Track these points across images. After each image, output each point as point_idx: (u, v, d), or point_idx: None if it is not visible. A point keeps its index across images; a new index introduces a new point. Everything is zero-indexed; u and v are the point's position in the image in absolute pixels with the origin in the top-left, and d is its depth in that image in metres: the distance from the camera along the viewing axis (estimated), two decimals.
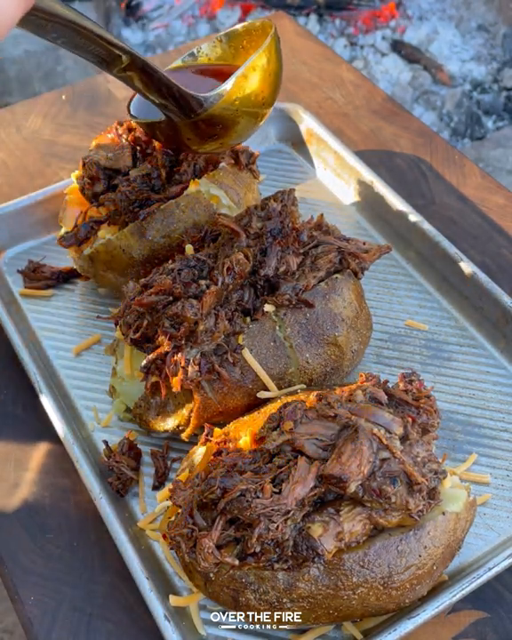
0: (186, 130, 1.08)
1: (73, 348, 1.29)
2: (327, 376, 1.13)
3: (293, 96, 1.74)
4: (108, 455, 1.11)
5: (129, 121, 1.34)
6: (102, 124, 1.70)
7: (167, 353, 1.03)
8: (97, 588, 1.03)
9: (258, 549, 0.85)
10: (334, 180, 1.54)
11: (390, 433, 0.90)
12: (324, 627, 0.96)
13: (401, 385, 0.99)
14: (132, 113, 1.16)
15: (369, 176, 1.45)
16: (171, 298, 1.07)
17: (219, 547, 0.86)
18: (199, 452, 1.01)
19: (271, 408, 1.00)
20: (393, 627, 0.92)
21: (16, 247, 1.46)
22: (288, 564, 0.86)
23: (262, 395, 1.07)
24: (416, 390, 0.98)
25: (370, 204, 1.47)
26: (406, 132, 1.66)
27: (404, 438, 0.92)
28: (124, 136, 1.30)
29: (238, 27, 1.20)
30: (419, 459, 0.91)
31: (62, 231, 1.32)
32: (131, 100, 1.19)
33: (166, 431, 1.10)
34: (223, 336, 1.04)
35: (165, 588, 1.00)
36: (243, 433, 0.98)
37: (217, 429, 1.03)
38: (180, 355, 1.02)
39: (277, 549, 0.86)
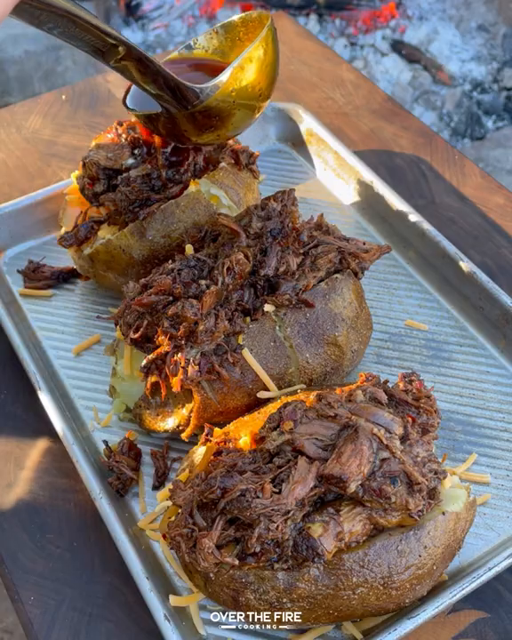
0: (183, 121, 1.08)
1: (73, 348, 1.29)
2: (327, 376, 1.13)
3: (293, 96, 1.74)
4: (108, 455, 1.11)
5: (129, 121, 1.34)
6: (102, 124, 1.70)
7: (167, 353, 1.03)
8: (97, 588, 1.03)
9: (258, 549, 0.85)
10: (334, 180, 1.54)
11: (390, 433, 0.90)
12: (323, 627, 0.96)
13: (401, 385, 0.99)
14: (128, 105, 1.15)
15: (369, 176, 1.45)
16: (171, 298, 1.07)
17: (219, 547, 0.86)
18: (199, 452, 1.01)
19: (271, 408, 1.00)
20: (393, 627, 0.92)
21: (16, 247, 1.46)
22: (288, 564, 0.86)
23: (262, 395, 1.07)
24: (416, 390, 0.98)
25: (370, 204, 1.47)
26: (406, 132, 1.66)
27: (404, 438, 0.92)
28: (124, 136, 1.30)
29: (235, 18, 1.19)
30: (419, 459, 0.91)
31: (62, 231, 1.32)
32: (127, 92, 1.18)
33: (166, 431, 1.10)
34: (223, 336, 1.04)
35: (165, 588, 1.00)
36: (243, 433, 0.98)
37: (217, 429, 1.03)
38: (180, 355, 1.02)
39: (277, 549, 0.86)
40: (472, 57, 3.40)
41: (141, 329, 1.07)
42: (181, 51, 1.24)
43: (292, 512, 0.86)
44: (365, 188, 1.46)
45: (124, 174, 1.25)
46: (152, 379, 1.06)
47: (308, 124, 1.58)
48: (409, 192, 1.52)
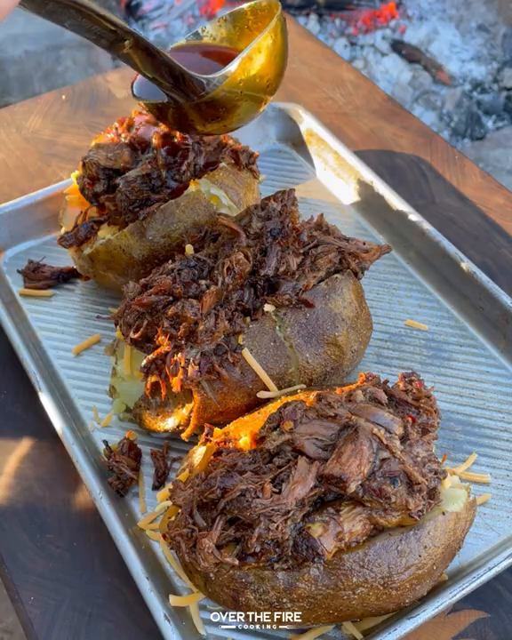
0: (189, 111, 1.06)
1: (73, 348, 1.29)
2: (327, 376, 1.13)
3: (293, 96, 1.74)
4: (108, 455, 1.11)
5: (128, 120, 1.34)
6: (102, 124, 1.70)
7: (167, 353, 1.03)
8: (97, 588, 1.03)
9: (258, 549, 0.85)
10: (334, 180, 1.54)
11: (390, 433, 0.90)
12: (323, 627, 0.96)
13: (401, 385, 0.99)
14: (135, 94, 1.14)
15: (369, 176, 1.45)
16: (171, 298, 1.07)
17: (219, 547, 0.86)
18: (199, 452, 1.01)
19: (271, 408, 1.00)
20: (393, 627, 0.92)
21: (16, 247, 1.46)
22: (288, 564, 0.86)
23: (262, 395, 1.07)
24: (416, 390, 0.99)
25: (370, 204, 1.47)
26: (406, 132, 1.66)
27: (404, 438, 0.92)
28: (124, 136, 1.30)
29: (244, 6, 1.17)
30: (419, 459, 0.91)
31: (62, 231, 1.32)
32: (133, 80, 1.16)
33: (166, 431, 1.10)
34: (223, 336, 1.04)
35: (165, 588, 1.00)
36: (243, 433, 0.98)
37: (217, 429, 1.03)
38: (180, 355, 1.02)
39: (277, 549, 0.86)
40: (472, 57, 3.40)
41: (141, 329, 1.07)
42: (189, 38, 1.21)
43: (292, 512, 0.86)
44: (365, 188, 1.46)
45: (124, 174, 1.25)
46: (152, 379, 1.06)
47: (307, 124, 1.58)
48: (409, 192, 1.52)
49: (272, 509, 0.85)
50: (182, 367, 1.01)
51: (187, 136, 1.27)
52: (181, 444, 1.14)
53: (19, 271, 1.40)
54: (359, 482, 0.86)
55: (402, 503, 0.87)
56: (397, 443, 0.90)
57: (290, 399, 0.99)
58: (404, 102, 3.25)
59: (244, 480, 0.88)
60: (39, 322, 1.34)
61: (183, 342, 1.03)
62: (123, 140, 1.30)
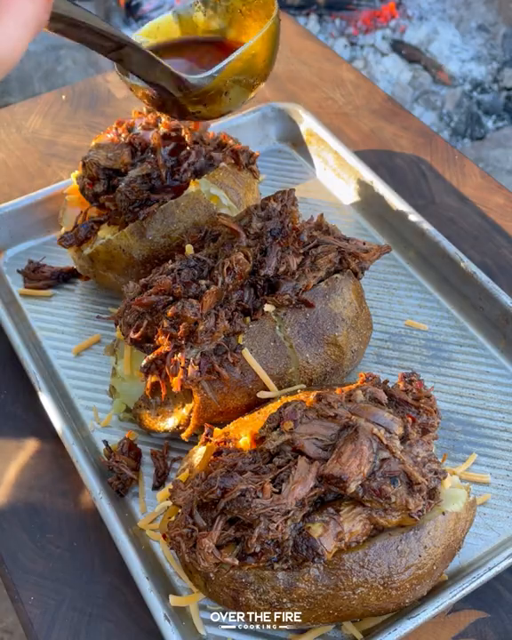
0: (180, 100, 1.03)
1: (73, 348, 1.29)
2: (327, 376, 1.13)
3: (293, 96, 1.74)
4: (108, 455, 1.11)
5: (128, 121, 1.34)
6: (102, 124, 1.70)
7: (167, 353, 1.03)
8: (97, 588, 1.03)
9: (258, 549, 0.85)
10: (334, 180, 1.54)
11: (390, 433, 0.90)
12: (323, 627, 0.96)
13: (401, 385, 0.99)
14: (120, 74, 1.09)
15: (369, 176, 1.45)
16: (171, 298, 1.07)
17: (219, 547, 0.86)
18: (199, 452, 1.01)
19: (271, 408, 1.00)
20: (393, 627, 0.92)
21: (16, 247, 1.46)
22: (288, 564, 0.86)
23: (262, 395, 1.07)
24: (416, 390, 0.98)
25: (370, 204, 1.47)
26: (406, 132, 1.66)
27: (403, 438, 0.92)
28: (124, 136, 1.30)
29: None
30: (419, 459, 0.91)
31: (62, 231, 1.32)
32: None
33: (166, 431, 1.10)
34: (223, 336, 1.04)
35: (165, 588, 1.00)
36: (243, 433, 0.98)
37: (217, 429, 1.03)
38: (180, 355, 1.02)
39: (277, 549, 0.86)
40: (472, 57, 3.40)
41: (141, 329, 1.07)
42: (177, 12, 1.17)
43: (292, 512, 0.86)
44: (365, 188, 1.46)
45: (124, 174, 1.25)
46: (152, 379, 1.06)
47: (307, 124, 1.58)
48: (409, 192, 1.52)
49: (272, 509, 0.85)
50: (182, 367, 1.01)
51: (185, 135, 1.27)
52: (181, 443, 1.14)
53: (19, 271, 1.40)
54: (359, 482, 0.86)
55: (402, 503, 0.87)
56: (397, 443, 0.90)
57: (290, 399, 0.99)
58: (404, 102, 3.25)
59: (244, 480, 0.88)
60: (39, 322, 1.34)
61: (183, 342, 1.03)
62: (123, 140, 1.30)
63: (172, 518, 0.95)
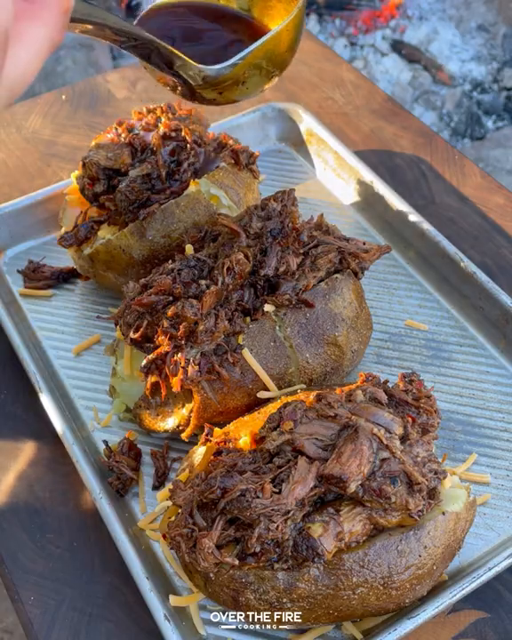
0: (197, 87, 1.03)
1: (73, 348, 1.29)
2: (327, 376, 1.13)
3: (293, 96, 1.74)
4: (108, 455, 1.11)
5: (128, 121, 1.34)
6: (102, 124, 1.70)
7: (167, 353, 1.03)
8: (97, 588, 1.03)
9: (258, 549, 0.85)
10: (334, 180, 1.54)
11: (390, 433, 0.90)
12: (323, 627, 0.96)
13: (401, 385, 0.99)
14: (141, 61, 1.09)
15: (369, 176, 1.45)
16: (171, 298, 1.07)
17: (219, 547, 0.86)
18: (199, 452, 1.01)
19: (271, 408, 1.00)
20: (393, 627, 0.92)
21: (16, 247, 1.46)
22: (288, 564, 0.86)
23: (262, 395, 1.07)
24: (416, 390, 0.98)
25: (370, 203, 1.47)
26: (406, 132, 1.66)
27: (404, 438, 0.92)
28: (124, 136, 1.30)
29: None
30: (419, 459, 0.91)
31: (62, 231, 1.32)
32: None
33: (166, 431, 1.10)
34: (223, 336, 1.04)
35: (165, 587, 1.00)
36: (243, 433, 0.98)
37: (217, 429, 1.03)
38: (180, 355, 1.02)
39: (277, 549, 0.86)
40: (472, 57, 3.40)
41: (141, 329, 1.07)
42: None
43: (292, 512, 0.86)
44: (365, 188, 1.46)
45: (124, 174, 1.25)
46: (152, 379, 1.06)
47: (307, 124, 1.58)
48: (409, 192, 1.52)
49: (272, 509, 0.85)
50: (182, 367, 1.01)
51: (185, 135, 1.27)
52: (181, 443, 1.14)
53: (19, 271, 1.40)
54: (359, 482, 0.86)
55: (402, 503, 0.87)
56: (397, 443, 0.90)
57: (290, 399, 0.99)
58: (404, 102, 3.25)
59: (244, 480, 0.88)
60: (39, 322, 1.34)
61: (183, 342, 1.03)
62: (123, 140, 1.30)
63: (172, 518, 0.95)
